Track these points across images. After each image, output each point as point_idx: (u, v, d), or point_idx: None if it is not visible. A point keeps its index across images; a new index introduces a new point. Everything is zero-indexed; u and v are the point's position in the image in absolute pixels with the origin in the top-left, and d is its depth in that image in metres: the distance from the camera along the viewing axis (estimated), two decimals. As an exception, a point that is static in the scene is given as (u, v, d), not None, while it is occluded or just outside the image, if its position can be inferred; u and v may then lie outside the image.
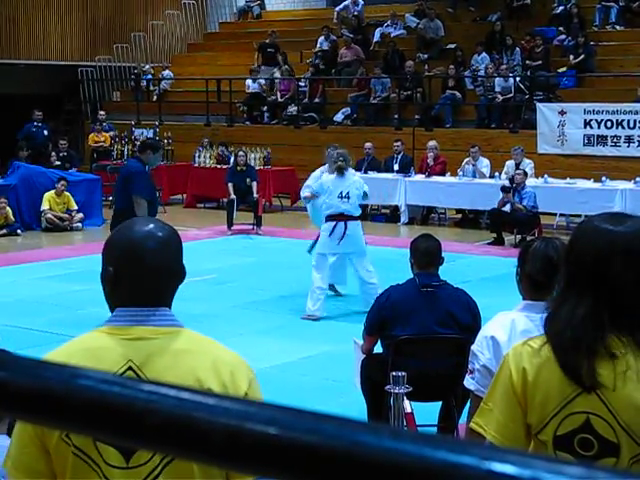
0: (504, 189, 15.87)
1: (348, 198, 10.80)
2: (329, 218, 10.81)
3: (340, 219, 10.76)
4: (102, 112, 23.65)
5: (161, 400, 0.90)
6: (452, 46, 23.28)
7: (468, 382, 3.85)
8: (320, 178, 11.45)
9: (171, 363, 2.42)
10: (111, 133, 22.95)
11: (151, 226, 2.54)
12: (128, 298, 2.50)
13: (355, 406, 6.73)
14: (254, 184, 17.64)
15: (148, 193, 10.27)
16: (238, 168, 17.78)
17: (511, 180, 16.12)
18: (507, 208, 15.82)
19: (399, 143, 19.11)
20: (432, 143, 18.87)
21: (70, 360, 2.31)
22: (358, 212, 10.97)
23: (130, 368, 2.41)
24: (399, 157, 18.98)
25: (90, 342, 2.51)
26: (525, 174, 16.18)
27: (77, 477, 2.43)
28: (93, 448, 2.41)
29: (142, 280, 2.48)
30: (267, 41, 25.26)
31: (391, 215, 18.95)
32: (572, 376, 2.55)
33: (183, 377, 2.38)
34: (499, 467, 0.75)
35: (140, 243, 2.49)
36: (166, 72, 26.60)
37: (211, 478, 2.41)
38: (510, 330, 3.72)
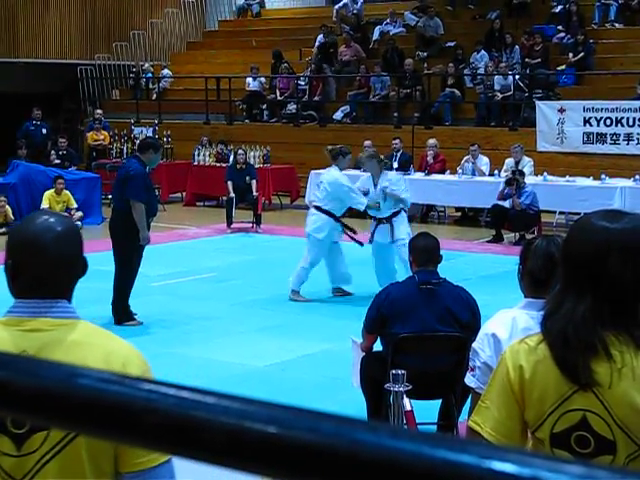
0: (509, 182, 15.87)
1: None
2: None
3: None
4: (99, 111, 23.62)
5: (160, 399, 0.90)
6: (451, 44, 23.28)
7: (469, 379, 3.85)
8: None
9: (63, 355, 2.43)
10: (109, 131, 22.96)
11: (50, 220, 2.56)
12: (27, 290, 2.52)
13: (354, 404, 6.73)
14: (253, 182, 17.64)
15: (144, 196, 10.13)
16: (237, 166, 17.79)
17: (512, 177, 16.10)
18: (507, 204, 15.82)
19: (397, 141, 19.10)
20: (432, 141, 18.86)
21: None
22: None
23: None
24: (398, 155, 18.97)
25: None
26: (522, 174, 16.14)
27: None
28: None
29: (40, 272, 2.51)
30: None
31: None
32: (569, 374, 2.55)
33: None
34: (499, 466, 0.75)
35: (38, 236, 2.51)
36: (165, 71, 26.58)
37: (99, 465, 2.44)
38: (511, 327, 3.72)
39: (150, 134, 22.35)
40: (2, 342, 2.47)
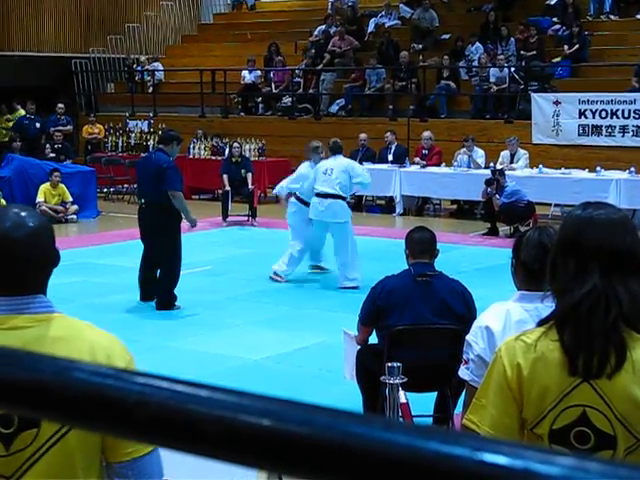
0: (488, 182, 15.93)
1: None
2: None
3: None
4: (61, 105, 23.26)
5: (154, 392, 0.90)
6: (447, 36, 23.27)
7: (463, 372, 3.85)
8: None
9: (47, 351, 2.41)
10: (69, 127, 22.89)
11: (20, 215, 2.53)
12: (3, 288, 2.50)
13: (350, 397, 6.74)
14: (249, 175, 17.64)
15: (181, 186, 10.65)
16: (233, 159, 17.79)
17: (492, 177, 16.07)
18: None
19: (388, 134, 19.07)
20: (427, 134, 18.86)
21: None
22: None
23: None
24: (393, 148, 18.96)
25: None
26: (502, 174, 16.11)
27: None
28: None
29: (15, 269, 2.49)
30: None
31: (386, 206, 18.96)
32: (571, 359, 2.56)
33: None
34: (491, 458, 0.75)
35: (9, 233, 2.48)
36: (156, 64, 26.43)
37: (90, 457, 2.45)
38: (505, 320, 3.72)
39: (145, 127, 22.36)
40: None
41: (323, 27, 24.81)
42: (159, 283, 10.73)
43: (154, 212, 10.49)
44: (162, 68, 26.48)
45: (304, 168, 12.42)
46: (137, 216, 10.91)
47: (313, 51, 24.03)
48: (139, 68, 26.46)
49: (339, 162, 11.83)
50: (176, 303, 10.73)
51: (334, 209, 11.51)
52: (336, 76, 23.53)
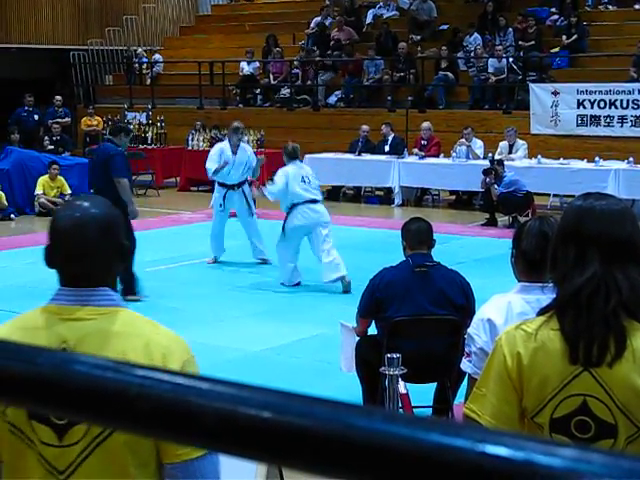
0: (485, 172, 15.92)
1: None
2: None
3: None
4: (58, 97, 23.30)
5: (155, 385, 0.90)
6: (445, 27, 23.23)
7: (465, 365, 3.85)
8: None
9: (102, 345, 2.42)
10: (67, 119, 22.87)
11: (91, 207, 2.52)
12: (69, 277, 2.50)
13: (349, 388, 6.74)
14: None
15: (128, 173, 10.75)
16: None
17: (490, 167, 16.05)
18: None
19: (383, 127, 19.01)
20: (426, 124, 18.84)
21: (9, 339, 2.33)
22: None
23: (64, 350, 2.40)
24: (390, 139, 18.94)
25: (28, 321, 2.53)
26: (501, 164, 16.09)
27: (14, 453, 2.46)
28: (27, 425, 2.42)
29: (82, 260, 2.48)
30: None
31: (385, 197, 18.95)
32: (572, 347, 2.56)
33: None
34: (492, 449, 0.75)
35: (79, 224, 2.48)
36: (157, 56, 26.47)
37: (141, 456, 2.42)
38: (506, 312, 3.71)
39: (144, 119, 22.34)
40: (45, 331, 2.46)
41: (319, 19, 24.75)
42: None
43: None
44: (162, 59, 26.46)
45: (224, 149, 12.91)
46: None
47: (311, 46, 23.95)
48: (144, 60, 26.38)
49: (307, 168, 11.91)
50: (137, 293, 10.67)
51: (323, 211, 11.51)
52: (334, 75, 23.47)
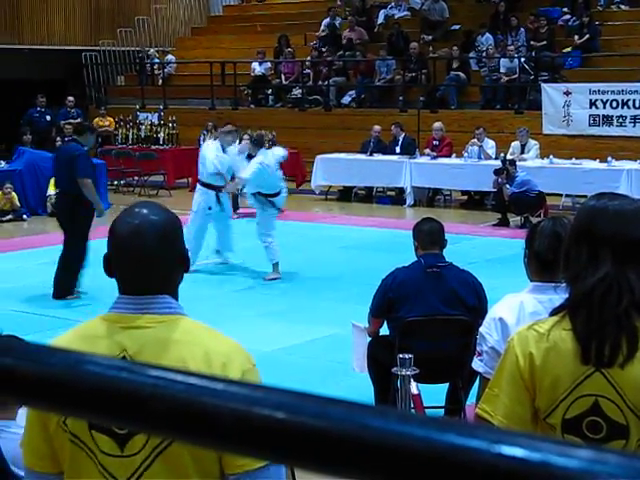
0: (497, 172, 15.91)
1: None
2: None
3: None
4: (71, 98, 23.32)
5: (169, 385, 0.90)
6: (456, 27, 23.21)
7: (476, 364, 3.84)
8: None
9: (162, 353, 2.39)
10: (79, 119, 22.91)
11: (151, 213, 2.49)
12: (128, 285, 2.49)
13: (361, 389, 6.74)
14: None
15: (92, 173, 10.79)
16: (243, 151, 17.74)
17: (502, 167, 16.03)
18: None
19: (393, 127, 19.00)
20: (438, 124, 18.83)
21: (69, 347, 2.32)
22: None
23: (124, 358, 2.39)
24: (400, 139, 18.93)
25: (88, 330, 2.51)
26: (513, 164, 16.07)
27: (75, 464, 2.44)
28: (88, 435, 2.41)
29: (142, 268, 2.46)
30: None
31: (396, 197, 18.94)
32: (584, 347, 2.55)
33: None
34: (508, 450, 0.75)
35: (139, 231, 2.45)
36: (169, 56, 26.53)
37: (204, 466, 2.38)
38: (518, 312, 3.71)
39: (155, 120, 22.38)
40: (105, 340, 2.44)
41: (328, 20, 24.72)
42: (57, 270, 10.74)
43: (67, 201, 10.66)
44: (174, 60, 26.50)
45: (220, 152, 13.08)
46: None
47: (322, 48, 23.93)
48: (156, 60, 26.42)
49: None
50: (75, 292, 10.76)
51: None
52: (345, 79, 23.47)
